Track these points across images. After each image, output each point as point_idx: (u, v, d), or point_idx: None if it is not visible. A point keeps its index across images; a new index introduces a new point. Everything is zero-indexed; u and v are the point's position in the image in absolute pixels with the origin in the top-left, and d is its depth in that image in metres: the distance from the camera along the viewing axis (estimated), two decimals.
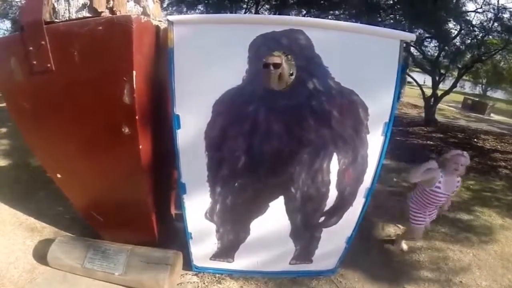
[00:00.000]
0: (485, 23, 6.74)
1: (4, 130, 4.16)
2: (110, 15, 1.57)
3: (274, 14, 8.34)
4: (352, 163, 1.67)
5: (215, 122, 1.52)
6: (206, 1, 8.47)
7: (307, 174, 1.67)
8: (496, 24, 6.57)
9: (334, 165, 1.66)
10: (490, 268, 2.37)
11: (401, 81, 1.59)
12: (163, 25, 1.63)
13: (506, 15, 6.48)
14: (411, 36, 1.58)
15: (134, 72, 1.42)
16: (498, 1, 6.55)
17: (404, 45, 1.53)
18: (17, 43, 1.55)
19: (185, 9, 8.93)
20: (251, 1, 8.67)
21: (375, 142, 1.65)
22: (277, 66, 1.82)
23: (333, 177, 1.69)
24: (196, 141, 1.56)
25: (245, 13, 8.92)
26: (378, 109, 1.60)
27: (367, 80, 1.55)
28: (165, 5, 8.74)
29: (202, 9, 8.82)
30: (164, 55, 1.50)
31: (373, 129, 1.62)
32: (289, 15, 8.52)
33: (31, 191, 2.84)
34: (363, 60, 1.52)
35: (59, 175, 1.85)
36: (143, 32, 1.46)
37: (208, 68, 1.47)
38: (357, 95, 1.55)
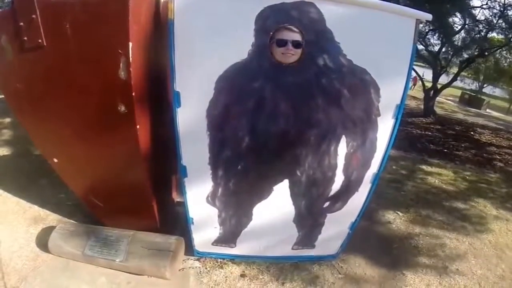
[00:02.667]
0: (489, 19, 6.42)
1: (7, 120, 3.88)
2: None
3: None
4: (360, 147, 1.45)
5: (217, 100, 1.28)
6: None
7: (314, 156, 1.44)
8: (500, 20, 6.27)
9: (342, 148, 1.44)
10: (485, 257, 2.23)
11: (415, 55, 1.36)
12: None
13: (511, 12, 6.18)
14: (427, 16, 1.34)
15: (130, 44, 1.17)
16: None
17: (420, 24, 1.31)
18: (6, 20, 1.30)
19: None
20: None
21: (385, 125, 1.43)
22: (298, 45, 1.26)
23: (340, 161, 1.47)
24: (197, 120, 1.32)
25: None
26: (390, 90, 1.37)
27: (380, 59, 1.32)
28: None
29: None
30: (164, 27, 1.25)
31: (384, 112, 1.40)
32: None
33: (34, 180, 2.60)
34: (377, 38, 1.29)
35: (55, 160, 1.60)
36: (141, 0, 1.21)
37: (211, 41, 1.23)
38: (369, 74, 1.32)
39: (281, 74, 1.27)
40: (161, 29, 1.32)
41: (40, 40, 1.29)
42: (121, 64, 1.20)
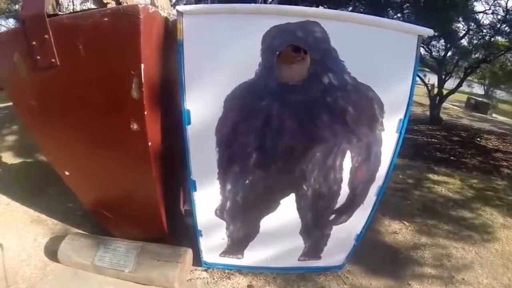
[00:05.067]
0: (493, 24, 6.45)
1: (14, 127, 3.98)
2: (116, 6, 1.39)
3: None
4: (365, 161, 1.52)
5: (226, 118, 1.36)
6: None
7: (320, 171, 1.51)
8: (504, 25, 6.29)
9: (347, 162, 1.51)
10: (491, 266, 2.26)
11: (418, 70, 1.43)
12: (171, 17, 1.46)
13: None
14: (428, 31, 1.41)
15: (142, 66, 1.26)
16: (507, 3, 6.30)
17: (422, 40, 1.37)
18: (19, 38, 1.38)
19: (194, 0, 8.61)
20: None
21: (389, 139, 1.49)
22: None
23: (346, 175, 1.54)
24: (207, 137, 1.40)
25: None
26: (394, 105, 1.44)
27: (383, 76, 1.39)
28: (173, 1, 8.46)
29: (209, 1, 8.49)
30: (173, 48, 1.33)
31: (388, 126, 1.46)
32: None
33: (42, 188, 2.69)
34: (380, 55, 1.36)
35: (67, 173, 1.69)
36: (152, 23, 1.29)
37: (220, 61, 1.30)
38: (373, 91, 1.39)
39: (287, 92, 1.35)
40: (170, 49, 1.40)
41: (53, 60, 1.37)
42: (133, 85, 1.28)
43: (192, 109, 1.35)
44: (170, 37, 1.42)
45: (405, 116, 1.46)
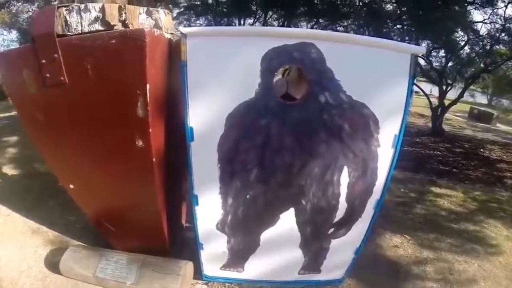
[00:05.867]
0: (492, 33, 6.60)
1: (14, 138, 4.07)
2: (123, 28, 1.49)
3: (283, 23, 8.20)
4: (362, 176, 1.59)
5: (228, 135, 1.45)
6: (215, 10, 8.37)
7: (318, 186, 1.59)
8: (503, 34, 6.44)
9: (344, 177, 1.58)
10: (495, 279, 2.29)
11: (412, 87, 1.52)
12: (175, 37, 1.56)
13: None
14: (421, 50, 1.52)
15: (148, 86, 1.35)
16: (505, 12, 6.47)
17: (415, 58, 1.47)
18: (29, 55, 1.47)
19: (194, 18, 8.85)
20: (259, 11, 8.55)
21: (385, 154, 1.57)
22: None
23: (343, 190, 1.61)
24: (209, 154, 1.49)
25: (254, 22, 8.81)
26: (389, 122, 1.52)
27: (378, 93, 1.47)
28: (174, 14, 8.71)
29: (210, 18, 8.73)
30: (176, 67, 1.43)
31: (383, 142, 1.54)
32: (298, 25, 8.41)
33: (43, 200, 2.75)
34: (375, 73, 1.45)
35: (72, 186, 1.77)
36: (156, 45, 1.39)
37: (221, 81, 1.40)
38: (368, 108, 1.47)
39: (286, 111, 1.44)
40: (173, 68, 1.50)
41: (62, 78, 1.46)
42: (139, 103, 1.37)
43: (195, 126, 1.44)
44: (173, 57, 1.52)
45: (400, 132, 1.54)
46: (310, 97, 1.43)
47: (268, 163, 1.50)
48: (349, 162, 1.55)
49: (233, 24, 8.53)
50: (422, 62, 7.56)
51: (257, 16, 8.68)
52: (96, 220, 1.93)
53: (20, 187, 3.01)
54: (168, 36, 1.50)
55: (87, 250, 1.99)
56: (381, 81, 1.46)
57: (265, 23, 8.40)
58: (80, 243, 2.20)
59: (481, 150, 6.72)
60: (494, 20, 6.56)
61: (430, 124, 8.05)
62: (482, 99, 15.63)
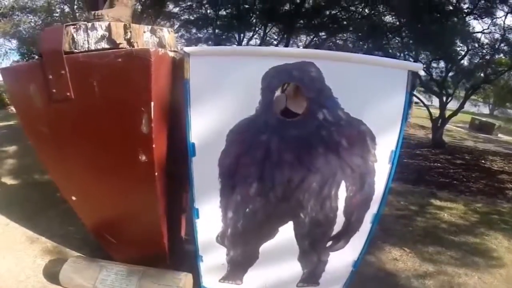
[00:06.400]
0: (492, 44, 6.74)
1: (14, 147, 4.12)
2: (128, 46, 1.57)
3: (283, 36, 8.32)
4: (359, 190, 1.65)
5: (229, 151, 1.51)
6: (215, 23, 8.54)
7: (316, 200, 1.65)
8: (503, 44, 6.57)
9: (342, 192, 1.64)
10: None
11: (409, 103, 1.59)
12: (178, 55, 1.64)
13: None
14: (418, 66, 1.58)
15: (152, 103, 1.42)
16: (504, 22, 6.61)
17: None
18: (36, 71, 1.55)
19: (194, 31, 9.01)
20: (259, 24, 8.72)
21: (382, 169, 1.63)
22: None
23: (341, 203, 1.67)
24: (210, 168, 1.55)
25: (253, 35, 8.97)
26: (386, 137, 1.58)
27: (375, 110, 1.54)
28: (175, 27, 8.90)
29: (211, 31, 8.89)
30: (179, 83, 1.50)
31: (380, 157, 1.61)
32: (297, 38, 8.56)
33: (41, 210, 2.79)
34: (372, 91, 1.51)
35: (74, 198, 1.82)
36: (161, 64, 1.46)
37: (223, 98, 1.47)
38: (365, 124, 1.54)
39: (285, 128, 1.50)
40: (176, 85, 1.57)
41: (68, 93, 1.54)
42: (143, 120, 1.44)
43: (197, 142, 1.50)
44: (176, 73, 1.59)
45: (396, 147, 1.60)
46: (309, 114, 1.50)
47: (268, 178, 1.57)
48: (346, 177, 1.61)
49: (233, 37, 8.69)
50: (422, 73, 7.65)
51: (257, 29, 8.84)
52: (96, 231, 1.98)
53: (19, 196, 3.05)
54: (171, 54, 1.57)
55: (87, 261, 2.02)
56: (378, 98, 1.53)
57: (264, 36, 8.57)
58: (80, 254, 2.23)
59: (482, 161, 6.78)
60: (494, 30, 6.72)
61: (430, 136, 8.12)
62: (484, 109, 15.73)
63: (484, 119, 13.79)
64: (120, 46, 1.55)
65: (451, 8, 6.19)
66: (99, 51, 1.54)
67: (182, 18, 8.96)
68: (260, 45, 8.63)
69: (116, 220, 1.86)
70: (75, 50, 1.56)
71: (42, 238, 2.43)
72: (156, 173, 1.54)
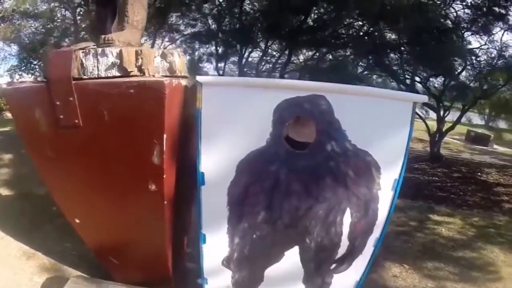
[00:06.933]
0: (489, 60, 6.99)
1: (9, 156, 3.99)
2: (139, 72, 1.58)
3: (284, 51, 8.38)
4: (363, 216, 1.72)
5: (238, 180, 1.56)
6: (219, 38, 8.55)
7: (322, 226, 1.71)
8: (500, 60, 6.82)
9: (347, 218, 1.71)
10: None
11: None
12: (189, 83, 1.66)
13: (509, 53, 6.77)
14: (423, 98, 1.67)
15: (165, 135, 1.45)
16: (501, 38, 6.86)
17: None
18: (42, 94, 1.52)
19: (197, 45, 8.98)
20: (260, 39, 8.77)
21: (385, 197, 1.71)
22: None
23: (346, 229, 1.74)
24: (219, 197, 1.59)
25: (253, 49, 9.04)
26: (390, 167, 1.66)
27: (380, 141, 1.61)
28: (178, 42, 8.87)
29: (213, 46, 8.90)
30: (190, 110, 1.54)
31: (384, 186, 1.68)
32: (298, 53, 8.61)
33: (37, 224, 2.73)
34: (378, 122, 1.59)
35: (77, 220, 1.83)
36: (174, 95, 1.48)
37: (234, 129, 1.51)
38: (371, 155, 1.61)
39: (295, 159, 1.56)
40: (188, 114, 1.60)
41: (76, 121, 1.53)
42: (155, 152, 1.46)
43: (206, 171, 1.54)
44: (188, 101, 1.62)
45: (399, 176, 1.69)
46: (317, 145, 1.56)
47: (276, 206, 1.62)
48: (352, 204, 1.68)
49: (236, 51, 8.70)
50: (419, 87, 7.87)
51: (259, 41, 8.86)
52: (99, 253, 1.99)
53: (14, 210, 2.97)
54: (184, 83, 1.59)
55: (89, 281, 2.03)
56: (383, 129, 1.60)
57: (266, 50, 8.57)
58: (79, 273, 2.22)
59: (479, 174, 6.95)
60: (491, 46, 6.95)
61: (428, 149, 8.30)
62: (479, 120, 16.11)
63: (479, 130, 14.09)
64: (131, 73, 1.57)
65: (449, 25, 6.37)
66: (109, 78, 1.55)
67: (185, 33, 8.97)
68: (261, 58, 8.81)
69: (121, 244, 1.87)
70: (84, 77, 1.56)
71: (39, 254, 2.38)
72: (165, 202, 1.58)
